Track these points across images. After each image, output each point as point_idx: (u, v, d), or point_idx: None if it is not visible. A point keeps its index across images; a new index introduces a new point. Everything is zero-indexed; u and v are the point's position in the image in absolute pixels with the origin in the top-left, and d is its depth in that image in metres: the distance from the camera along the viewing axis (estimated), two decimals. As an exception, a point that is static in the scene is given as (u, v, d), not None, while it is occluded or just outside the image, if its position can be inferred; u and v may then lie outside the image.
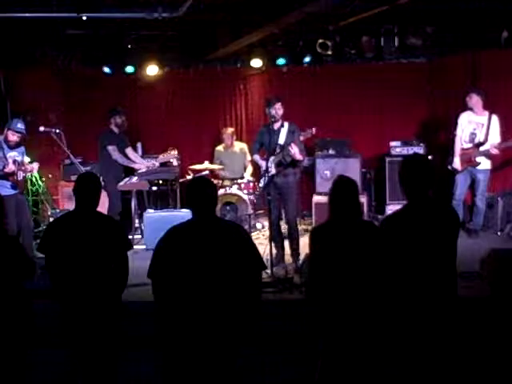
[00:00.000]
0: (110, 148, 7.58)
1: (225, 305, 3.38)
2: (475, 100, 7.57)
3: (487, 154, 7.57)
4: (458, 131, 7.77)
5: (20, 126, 6.67)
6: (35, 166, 6.93)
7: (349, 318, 3.65)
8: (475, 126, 7.66)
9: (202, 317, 3.36)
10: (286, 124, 6.70)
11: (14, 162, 6.64)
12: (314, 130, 6.54)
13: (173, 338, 3.43)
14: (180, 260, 3.38)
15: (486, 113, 7.61)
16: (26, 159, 7.00)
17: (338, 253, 3.68)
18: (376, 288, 3.63)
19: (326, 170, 8.46)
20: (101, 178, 4.24)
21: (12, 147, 6.71)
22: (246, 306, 3.44)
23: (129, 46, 8.80)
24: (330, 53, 8.70)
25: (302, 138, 6.54)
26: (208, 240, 3.41)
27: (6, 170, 6.48)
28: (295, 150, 6.45)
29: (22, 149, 6.85)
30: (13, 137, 6.66)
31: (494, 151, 7.50)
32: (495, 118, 7.58)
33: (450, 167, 7.81)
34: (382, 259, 3.59)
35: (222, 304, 3.37)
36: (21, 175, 6.73)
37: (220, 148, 9.14)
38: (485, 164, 7.61)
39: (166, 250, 3.45)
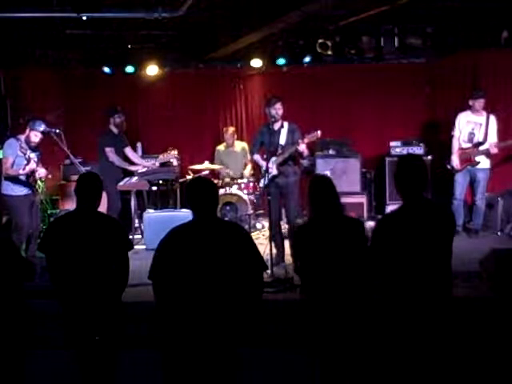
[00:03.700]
0: (108, 150, 7.60)
1: (226, 305, 3.38)
2: (483, 104, 7.59)
3: (487, 154, 7.59)
4: (456, 132, 7.80)
5: (44, 127, 6.72)
6: (43, 171, 6.93)
7: (336, 313, 3.70)
8: (473, 125, 7.69)
9: (203, 318, 3.35)
10: (286, 124, 6.72)
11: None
12: (319, 133, 6.55)
13: (174, 338, 3.42)
14: (181, 261, 3.37)
15: (484, 113, 7.64)
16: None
17: (321, 250, 3.73)
18: (360, 282, 3.67)
19: (326, 170, 8.43)
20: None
21: (33, 148, 6.73)
22: (247, 307, 3.44)
23: (129, 46, 8.80)
24: (330, 53, 8.70)
25: (306, 141, 6.55)
26: (209, 241, 3.40)
27: (27, 168, 6.49)
28: (303, 148, 6.49)
29: (38, 153, 6.86)
30: (35, 138, 6.69)
31: (494, 150, 7.51)
32: (493, 118, 7.62)
33: (448, 166, 7.82)
34: (366, 254, 3.62)
35: (223, 305, 3.37)
36: (37, 176, 6.78)
37: (221, 147, 9.15)
38: (484, 163, 7.64)
39: (166, 251, 3.44)
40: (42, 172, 6.85)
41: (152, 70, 9.01)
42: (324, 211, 3.83)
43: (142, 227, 8.08)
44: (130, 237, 7.05)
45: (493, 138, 7.61)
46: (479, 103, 7.59)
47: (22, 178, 6.59)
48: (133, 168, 7.90)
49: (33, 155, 6.65)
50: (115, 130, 7.79)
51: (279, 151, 6.65)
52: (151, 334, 3.84)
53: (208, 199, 3.48)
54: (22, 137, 6.69)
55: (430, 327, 3.52)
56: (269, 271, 6.15)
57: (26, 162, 6.49)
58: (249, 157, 8.55)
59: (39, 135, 6.68)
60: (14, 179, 6.56)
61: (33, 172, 6.63)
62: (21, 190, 6.58)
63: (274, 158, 6.67)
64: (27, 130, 6.70)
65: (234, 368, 3.47)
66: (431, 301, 3.53)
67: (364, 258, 3.67)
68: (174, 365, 3.44)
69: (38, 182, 8.47)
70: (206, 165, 8.68)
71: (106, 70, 9.04)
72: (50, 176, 8.66)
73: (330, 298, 3.71)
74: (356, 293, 3.73)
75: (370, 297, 3.74)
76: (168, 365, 3.47)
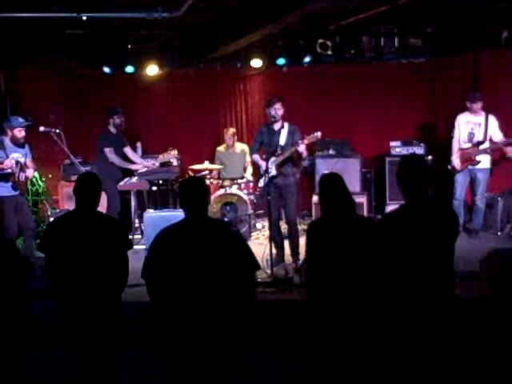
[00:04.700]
0: (107, 150, 7.60)
1: (219, 304, 3.39)
2: (481, 105, 7.60)
3: (488, 152, 7.59)
4: (456, 133, 7.81)
5: (21, 120, 6.71)
6: (30, 171, 6.90)
7: (345, 313, 3.70)
8: (472, 125, 7.70)
9: (196, 316, 3.37)
10: (286, 125, 6.72)
11: (17, 163, 6.62)
12: (319, 134, 6.55)
13: (169, 337, 3.44)
14: (172, 260, 3.41)
15: (483, 113, 7.65)
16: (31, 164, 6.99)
17: (333, 247, 3.74)
18: (371, 282, 3.66)
19: (326, 170, 8.44)
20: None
21: (20, 145, 6.70)
22: (240, 306, 3.45)
23: (129, 46, 8.80)
24: (330, 53, 8.71)
25: (306, 142, 6.55)
26: (200, 240, 3.43)
27: (3, 165, 6.44)
28: (302, 148, 6.49)
29: (26, 150, 6.83)
30: (20, 133, 6.67)
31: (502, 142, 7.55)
32: (492, 118, 7.62)
33: (449, 167, 7.82)
34: (377, 254, 3.61)
35: (215, 303, 3.38)
36: (22, 176, 6.71)
37: (221, 148, 9.15)
38: (484, 163, 7.64)
39: (158, 250, 3.49)
40: (29, 172, 6.83)
41: (152, 69, 9.00)
42: (336, 209, 3.83)
43: (142, 227, 8.07)
44: (130, 237, 7.05)
45: (498, 135, 7.61)
46: (477, 105, 7.61)
47: (3, 178, 6.52)
48: (133, 167, 7.90)
49: (16, 155, 6.62)
50: (114, 131, 7.78)
51: (279, 152, 6.66)
52: (147, 333, 3.84)
53: (198, 199, 3.51)
54: (6, 138, 6.64)
55: (432, 327, 3.52)
56: (269, 271, 6.17)
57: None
58: (248, 159, 8.56)
59: (22, 129, 6.67)
60: None
61: (12, 172, 6.56)
62: (5, 191, 6.53)
63: (273, 159, 6.67)
64: (8, 132, 6.66)
65: (231, 367, 3.47)
66: (433, 300, 3.53)
67: (375, 256, 3.66)
68: (172, 363, 3.46)
69: (39, 181, 8.49)
70: (206, 165, 8.68)
71: (106, 70, 9.03)
72: (50, 176, 8.69)
73: (340, 296, 3.71)
74: (365, 292, 3.72)
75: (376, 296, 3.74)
76: (167, 363, 3.49)
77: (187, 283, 3.38)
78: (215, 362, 3.41)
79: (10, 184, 6.59)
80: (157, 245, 3.50)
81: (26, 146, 6.87)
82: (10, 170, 6.54)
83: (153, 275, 3.47)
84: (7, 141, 6.65)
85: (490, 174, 7.76)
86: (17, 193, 6.67)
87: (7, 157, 6.52)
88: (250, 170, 8.84)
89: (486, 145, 7.58)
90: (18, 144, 6.68)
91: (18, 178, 6.64)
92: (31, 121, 6.89)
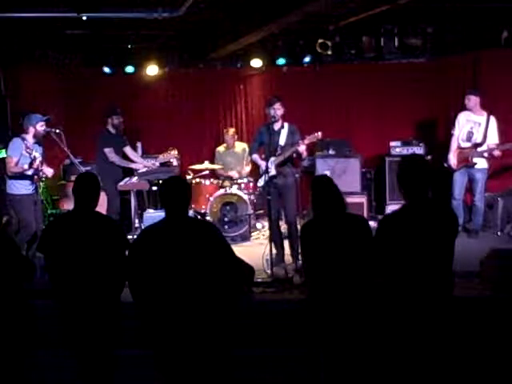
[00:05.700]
0: (107, 150, 7.59)
1: (200, 303, 3.41)
2: (474, 101, 7.59)
3: (485, 156, 7.57)
4: (456, 131, 7.80)
5: (40, 115, 6.71)
6: (50, 170, 6.90)
7: (344, 312, 3.71)
8: (472, 124, 7.68)
9: (176, 316, 3.39)
10: (286, 125, 6.73)
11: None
12: (319, 134, 6.57)
13: (153, 336, 3.46)
14: (152, 260, 3.43)
15: (485, 113, 7.63)
16: None
17: (327, 247, 3.75)
18: (368, 279, 3.66)
19: (326, 170, 8.43)
20: (99, 179, 4.27)
21: (39, 143, 6.69)
22: (223, 304, 3.47)
23: (129, 46, 8.80)
24: (329, 53, 8.70)
25: (306, 142, 6.57)
26: (178, 239, 3.45)
27: (34, 166, 6.44)
28: (303, 148, 6.50)
29: (41, 149, 6.84)
30: (42, 127, 6.66)
31: (496, 153, 7.50)
32: (493, 119, 7.59)
33: (445, 164, 7.81)
34: (377, 255, 3.61)
35: (196, 302, 3.41)
36: (42, 176, 6.74)
37: (221, 148, 9.14)
38: (482, 163, 7.62)
39: (138, 249, 3.53)
40: (49, 171, 6.83)
41: (152, 69, 9.01)
42: (327, 211, 3.84)
43: (143, 227, 8.07)
44: (130, 237, 7.05)
45: (493, 139, 7.59)
46: (470, 100, 7.58)
47: (27, 176, 6.56)
48: (134, 165, 7.89)
49: (37, 154, 6.62)
50: (113, 131, 7.78)
51: (278, 151, 6.67)
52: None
53: (178, 198, 3.53)
54: (27, 136, 6.64)
55: (431, 327, 3.52)
56: (269, 271, 6.18)
57: (30, 161, 6.47)
58: (249, 158, 8.57)
59: (43, 123, 6.67)
60: (19, 178, 6.54)
61: (37, 171, 6.59)
62: (26, 189, 6.57)
63: (273, 158, 6.67)
64: (31, 128, 6.63)
65: (222, 367, 3.48)
66: (433, 300, 3.53)
67: (370, 253, 3.67)
68: (160, 362, 3.48)
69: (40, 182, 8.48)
70: (206, 165, 8.68)
71: (106, 70, 9.04)
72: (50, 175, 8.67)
73: (337, 295, 3.72)
74: (362, 289, 3.73)
75: (374, 293, 3.74)
76: (156, 363, 3.50)
77: (167, 283, 3.40)
78: (202, 361, 3.42)
79: (34, 183, 6.63)
80: (136, 244, 3.56)
81: (41, 147, 6.87)
82: (33, 170, 6.55)
83: (133, 276, 3.51)
84: (29, 139, 6.61)
85: (488, 173, 7.74)
86: (35, 191, 6.72)
87: (33, 159, 6.49)
88: (247, 167, 8.84)
89: (484, 147, 7.56)
90: (37, 141, 6.68)
91: (39, 176, 6.67)
92: (48, 116, 6.89)
